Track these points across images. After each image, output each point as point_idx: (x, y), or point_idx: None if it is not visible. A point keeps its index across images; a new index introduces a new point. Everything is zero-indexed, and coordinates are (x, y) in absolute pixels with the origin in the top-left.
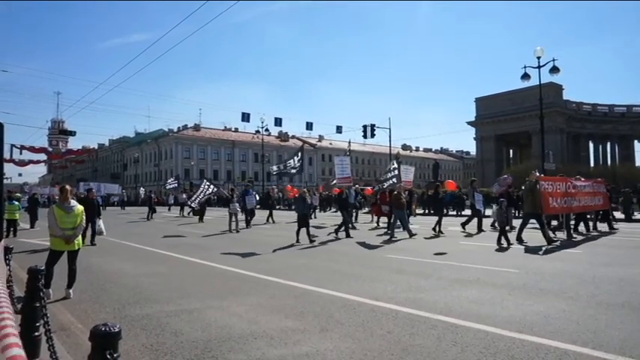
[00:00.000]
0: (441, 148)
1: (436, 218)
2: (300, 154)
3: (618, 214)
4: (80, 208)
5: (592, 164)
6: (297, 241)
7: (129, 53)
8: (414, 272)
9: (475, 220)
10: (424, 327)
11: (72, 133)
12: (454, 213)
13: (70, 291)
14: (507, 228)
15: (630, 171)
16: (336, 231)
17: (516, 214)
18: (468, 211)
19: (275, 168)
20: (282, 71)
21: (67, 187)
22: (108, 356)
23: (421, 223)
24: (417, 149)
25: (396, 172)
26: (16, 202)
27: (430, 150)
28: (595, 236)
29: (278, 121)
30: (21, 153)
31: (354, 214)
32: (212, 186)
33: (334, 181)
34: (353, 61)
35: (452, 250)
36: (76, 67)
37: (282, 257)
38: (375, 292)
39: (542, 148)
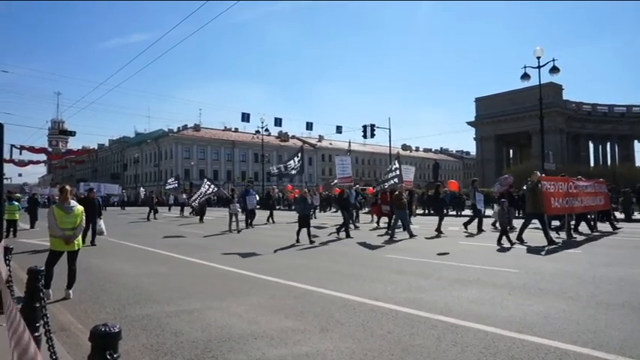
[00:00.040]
0: (441, 148)
1: (437, 219)
2: (300, 154)
3: (618, 214)
4: (80, 208)
5: (592, 164)
6: (297, 241)
7: (129, 53)
8: (414, 272)
9: (476, 219)
10: (424, 327)
11: (72, 134)
12: (454, 213)
13: (70, 291)
14: (508, 228)
15: (630, 171)
16: (338, 231)
17: (518, 214)
18: (467, 211)
19: (275, 170)
20: (283, 71)
21: (67, 187)
22: (108, 357)
23: (421, 223)
24: (417, 149)
25: (398, 172)
26: (16, 203)
27: (430, 150)
28: (595, 236)
29: (278, 121)
30: (21, 153)
31: (355, 214)
32: (212, 185)
33: (335, 181)
34: (353, 61)
35: (452, 250)
36: (76, 68)
37: (282, 257)
38: (375, 292)
39: (542, 148)
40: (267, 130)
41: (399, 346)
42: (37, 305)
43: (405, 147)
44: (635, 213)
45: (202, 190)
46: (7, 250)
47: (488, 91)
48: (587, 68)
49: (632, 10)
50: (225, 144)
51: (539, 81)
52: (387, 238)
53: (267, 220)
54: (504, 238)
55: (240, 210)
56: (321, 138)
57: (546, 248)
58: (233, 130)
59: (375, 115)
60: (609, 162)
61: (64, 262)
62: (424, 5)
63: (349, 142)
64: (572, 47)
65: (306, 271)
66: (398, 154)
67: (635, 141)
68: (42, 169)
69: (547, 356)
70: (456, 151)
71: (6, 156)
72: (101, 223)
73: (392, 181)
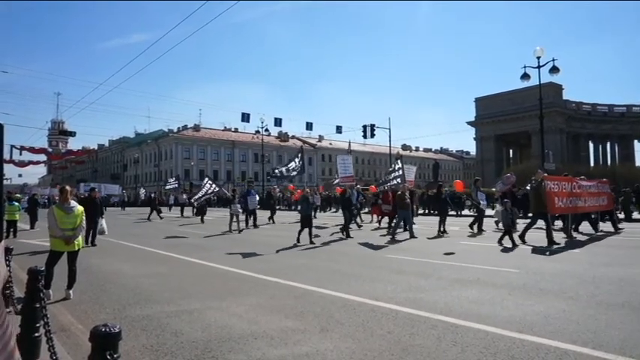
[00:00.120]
0: (441, 148)
1: (437, 219)
2: (300, 155)
3: (618, 214)
4: (80, 208)
5: (592, 164)
6: (298, 241)
7: (129, 53)
8: (414, 272)
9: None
10: (424, 327)
11: (72, 134)
12: (453, 213)
13: (70, 292)
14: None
15: (630, 171)
16: (342, 231)
17: (521, 214)
18: (466, 212)
19: (277, 173)
20: (283, 71)
21: (67, 187)
22: (108, 357)
23: (422, 222)
24: (417, 149)
25: (400, 172)
26: (16, 203)
27: (430, 150)
28: (596, 236)
29: (278, 122)
30: (21, 154)
31: (357, 213)
32: (214, 185)
33: (336, 181)
34: (353, 61)
35: (452, 250)
36: (75, 68)
37: (283, 257)
38: (375, 292)
39: (542, 148)
40: (267, 130)
41: (399, 346)
42: (37, 305)
43: (405, 147)
44: (635, 213)
45: (205, 189)
46: (7, 251)
47: (488, 91)
48: (587, 68)
49: (632, 10)
50: (225, 144)
51: (539, 81)
52: (388, 238)
53: (269, 220)
54: (505, 237)
55: (241, 210)
56: (321, 138)
57: (546, 248)
58: (233, 130)
59: (375, 115)
60: (609, 162)
61: (64, 263)
62: (424, 5)
63: (349, 142)
64: (572, 47)
65: (306, 271)
66: (398, 154)
67: (635, 141)
68: (42, 170)
69: (547, 356)
70: (456, 151)
71: (6, 156)
72: (103, 223)
73: (394, 182)
